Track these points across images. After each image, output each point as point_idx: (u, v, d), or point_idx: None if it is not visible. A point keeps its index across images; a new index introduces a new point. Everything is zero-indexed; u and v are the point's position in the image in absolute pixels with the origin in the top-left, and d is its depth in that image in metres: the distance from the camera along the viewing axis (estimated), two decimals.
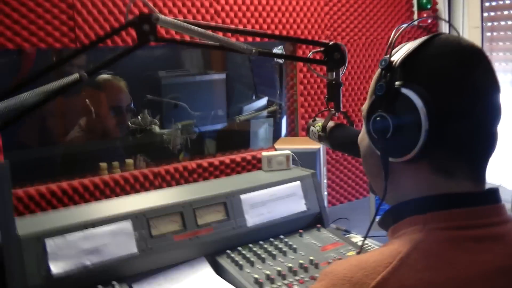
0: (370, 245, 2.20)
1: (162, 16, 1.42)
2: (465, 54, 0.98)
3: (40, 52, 2.78)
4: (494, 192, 1.01)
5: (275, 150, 2.45)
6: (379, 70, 1.02)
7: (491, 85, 0.99)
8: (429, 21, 3.32)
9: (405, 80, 0.98)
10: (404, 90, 0.96)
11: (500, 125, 1.02)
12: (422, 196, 1.00)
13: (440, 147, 0.95)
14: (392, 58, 1.00)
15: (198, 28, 1.46)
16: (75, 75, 1.39)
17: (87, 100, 2.90)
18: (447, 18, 3.43)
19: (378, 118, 1.00)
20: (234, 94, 4.00)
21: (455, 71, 0.96)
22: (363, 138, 1.11)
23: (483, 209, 0.97)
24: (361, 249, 1.29)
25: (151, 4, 1.49)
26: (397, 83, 0.98)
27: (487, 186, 1.03)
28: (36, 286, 1.59)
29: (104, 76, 2.97)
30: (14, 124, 1.40)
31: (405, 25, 1.11)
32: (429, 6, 3.31)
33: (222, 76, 4.01)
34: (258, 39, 2.64)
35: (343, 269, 0.93)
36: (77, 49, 1.38)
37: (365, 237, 1.22)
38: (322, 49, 1.66)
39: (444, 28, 3.42)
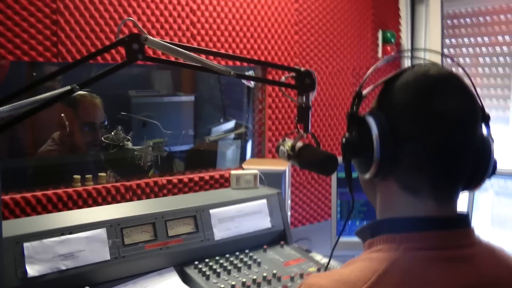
0: (333, 265, 2.31)
1: (150, 37, 1.53)
2: (427, 83, 1.07)
3: (13, 64, 2.85)
4: (464, 217, 1.12)
5: (243, 169, 2.56)
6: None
7: (460, 111, 1.05)
8: (392, 53, 3.48)
9: (374, 108, 1.13)
10: (367, 116, 1.10)
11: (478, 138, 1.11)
12: (397, 216, 1.10)
13: (400, 167, 1.07)
14: (364, 90, 1.15)
15: (183, 50, 1.57)
16: (67, 87, 1.48)
17: (62, 114, 2.95)
18: (410, 53, 3.61)
19: (343, 140, 1.14)
20: (203, 116, 4.10)
21: (411, 100, 1.06)
22: None
23: (454, 232, 1.08)
24: (326, 268, 1.41)
25: (140, 25, 1.59)
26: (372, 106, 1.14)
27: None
28: (13, 287, 1.66)
29: (81, 92, 3.03)
30: (5, 130, 1.48)
31: (380, 63, 1.25)
32: (393, 40, 3.49)
33: (191, 98, 4.12)
34: (230, 63, 2.77)
35: (326, 283, 1.02)
36: (65, 64, 1.47)
37: (331, 254, 1.34)
38: (294, 74, 1.79)
39: (407, 62, 3.59)
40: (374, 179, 1.12)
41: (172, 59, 1.73)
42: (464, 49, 3.31)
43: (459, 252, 1.06)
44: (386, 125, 1.06)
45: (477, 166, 1.13)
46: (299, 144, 1.70)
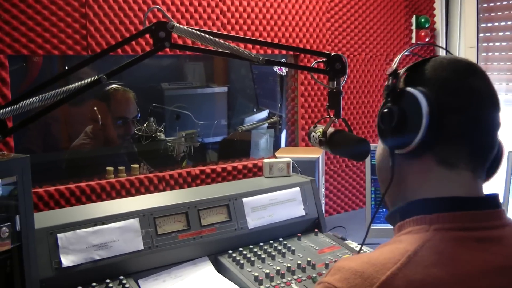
0: (366, 251, 2.28)
1: (177, 24, 1.52)
2: (461, 64, 1.11)
3: (46, 60, 2.88)
4: (495, 198, 1.11)
5: (276, 158, 2.54)
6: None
7: (488, 94, 1.09)
8: (427, 39, 3.42)
9: (409, 84, 1.12)
10: (409, 89, 1.09)
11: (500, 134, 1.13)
12: (429, 197, 1.09)
13: (441, 140, 1.06)
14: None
15: (210, 37, 1.56)
16: (94, 77, 1.48)
17: (95, 108, 2.98)
18: (444, 37, 3.54)
19: (385, 110, 1.12)
20: (236, 106, 4.10)
21: (451, 75, 1.09)
22: (378, 149, 1.23)
23: (484, 213, 1.06)
24: (358, 253, 1.39)
25: (166, 13, 1.58)
26: (402, 86, 1.13)
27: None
28: (48, 277, 1.68)
29: (115, 86, 3.06)
30: (35, 121, 1.49)
31: (407, 52, 1.27)
32: (427, 25, 3.42)
33: (224, 89, 4.12)
34: (261, 51, 2.75)
35: (355, 265, 1.01)
36: (92, 55, 1.47)
37: (364, 239, 1.32)
38: (324, 59, 1.77)
39: (441, 50, 3.53)
40: (407, 156, 1.11)
41: (201, 47, 1.72)
42: (501, 33, 3.22)
43: (490, 233, 1.04)
44: (432, 97, 1.06)
45: (497, 156, 1.16)
46: (331, 129, 1.69)
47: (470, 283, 0.97)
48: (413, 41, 3.42)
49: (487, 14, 3.25)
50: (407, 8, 3.40)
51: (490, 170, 1.16)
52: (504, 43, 3.21)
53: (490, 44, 3.29)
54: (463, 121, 1.05)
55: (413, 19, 3.42)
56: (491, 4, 3.22)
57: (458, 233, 1.02)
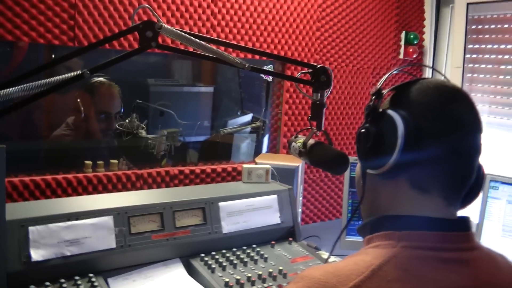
0: (335, 261, 2.28)
1: (165, 25, 1.51)
2: (447, 90, 1.11)
3: (32, 47, 2.85)
4: (465, 221, 1.12)
5: (256, 164, 2.54)
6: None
7: (471, 119, 1.10)
8: (415, 56, 3.44)
9: (391, 106, 1.12)
10: (389, 111, 1.09)
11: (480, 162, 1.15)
12: (399, 214, 1.10)
13: (415, 164, 1.07)
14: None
15: (197, 40, 1.55)
16: (77, 72, 1.47)
17: (78, 100, 2.95)
18: (431, 55, 3.56)
19: (363, 130, 1.13)
20: (221, 108, 4.09)
21: (434, 101, 1.09)
22: (358, 164, 1.23)
23: (453, 234, 1.07)
24: (326, 261, 1.39)
25: (155, 12, 1.57)
26: (386, 106, 1.13)
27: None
28: (16, 271, 1.64)
29: (100, 79, 3.03)
30: (14, 112, 1.47)
31: (396, 71, 1.25)
32: (415, 42, 3.44)
33: (210, 89, 4.12)
34: (249, 56, 2.74)
35: (319, 274, 1.01)
36: (79, 48, 1.46)
37: (332, 249, 1.32)
38: (310, 70, 1.77)
39: (428, 64, 3.55)
40: (381, 176, 1.12)
41: (189, 49, 1.71)
42: (487, 55, 3.25)
43: (458, 255, 1.05)
44: (410, 121, 1.06)
45: (475, 184, 1.16)
46: (311, 141, 1.69)
47: None
48: (401, 56, 3.44)
49: (475, 36, 3.28)
50: (397, 23, 3.41)
51: (468, 198, 1.17)
52: (489, 66, 3.24)
53: (476, 65, 3.31)
54: (440, 148, 1.06)
55: (403, 35, 3.44)
56: (480, 26, 3.25)
57: (425, 252, 1.03)
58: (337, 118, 3.21)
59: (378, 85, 1.15)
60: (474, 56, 3.31)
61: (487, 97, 3.24)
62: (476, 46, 3.29)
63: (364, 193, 1.18)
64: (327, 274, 1.00)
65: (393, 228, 1.07)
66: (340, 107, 3.21)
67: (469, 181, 1.12)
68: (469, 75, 3.33)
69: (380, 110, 1.12)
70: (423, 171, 1.08)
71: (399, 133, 1.05)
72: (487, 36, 3.22)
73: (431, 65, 3.56)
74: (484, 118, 3.22)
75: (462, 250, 1.06)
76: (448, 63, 3.50)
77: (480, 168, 1.18)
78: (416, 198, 1.09)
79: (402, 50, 3.45)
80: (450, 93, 1.10)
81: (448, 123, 1.06)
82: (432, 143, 1.05)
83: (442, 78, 1.26)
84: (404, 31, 3.43)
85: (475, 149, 1.11)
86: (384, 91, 1.16)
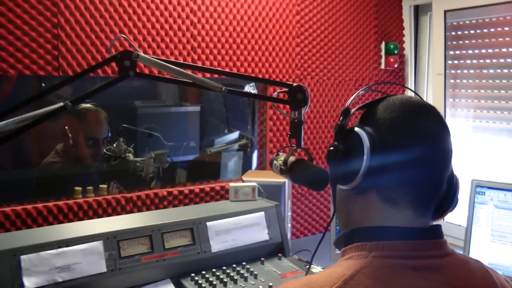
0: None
1: (141, 54, 1.56)
2: (412, 105, 1.17)
3: (19, 77, 2.89)
4: (436, 229, 1.17)
5: (243, 181, 2.58)
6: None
7: (436, 132, 1.15)
8: (396, 65, 3.49)
9: (359, 124, 1.19)
10: (356, 129, 1.15)
11: (450, 172, 1.20)
12: (370, 225, 1.15)
13: (383, 178, 1.12)
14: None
15: (173, 66, 1.60)
16: (60, 104, 1.52)
17: (66, 127, 2.99)
18: (413, 63, 3.62)
19: (331, 148, 1.20)
20: (208, 127, 4.14)
21: (399, 116, 1.14)
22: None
23: (423, 243, 1.12)
24: (307, 272, 1.45)
25: (132, 41, 1.62)
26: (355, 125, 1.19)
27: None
28: None
29: (86, 106, 3.08)
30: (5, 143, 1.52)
31: (362, 91, 1.34)
32: (396, 52, 3.50)
33: (197, 108, 4.17)
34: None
35: (294, 287, 1.07)
36: (63, 79, 1.50)
37: (311, 260, 1.37)
38: (286, 90, 1.82)
39: (410, 73, 3.60)
40: (352, 191, 1.18)
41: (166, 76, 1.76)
42: (468, 61, 3.30)
43: (428, 262, 1.09)
44: (376, 137, 1.12)
45: (447, 195, 1.21)
46: (291, 158, 1.73)
47: None
48: (382, 66, 3.50)
49: (455, 42, 3.32)
50: (377, 34, 3.47)
51: (441, 208, 1.22)
52: (471, 71, 3.28)
53: (458, 71, 3.36)
54: (405, 162, 1.10)
55: (382, 45, 3.49)
56: (459, 32, 3.30)
57: (395, 261, 1.07)
58: (322, 131, 3.25)
59: (346, 104, 1.21)
60: (456, 62, 3.35)
61: (471, 101, 3.27)
62: (457, 52, 3.33)
63: (336, 208, 1.24)
64: (301, 286, 1.06)
65: (364, 240, 1.12)
66: (324, 120, 3.25)
67: (438, 192, 1.16)
68: (452, 81, 3.37)
69: (348, 128, 1.18)
70: (391, 185, 1.13)
71: (365, 149, 1.11)
72: (467, 41, 3.26)
73: (413, 73, 3.61)
74: (470, 123, 3.27)
75: (433, 258, 1.10)
76: (430, 71, 3.55)
77: (452, 178, 1.23)
78: (386, 211, 1.13)
79: (383, 60, 3.50)
80: (415, 108, 1.15)
81: (412, 137, 1.11)
82: (397, 157, 1.10)
83: (412, 94, 1.30)
84: (384, 42, 3.49)
85: (442, 161, 1.15)
86: (353, 110, 1.21)
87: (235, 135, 3.93)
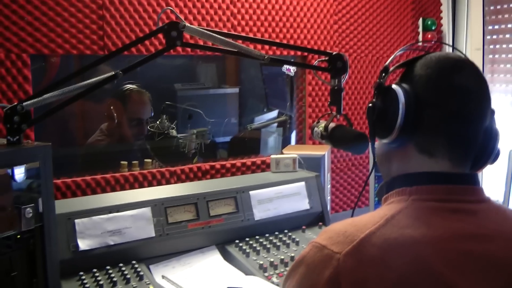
0: None
1: (188, 24, 1.63)
2: (448, 61, 1.21)
3: (63, 61, 3.00)
4: (473, 176, 1.22)
5: (283, 154, 2.64)
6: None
7: (471, 87, 1.18)
8: (433, 42, 3.50)
9: (399, 81, 1.25)
10: (393, 86, 1.22)
11: (489, 125, 1.24)
12: (410, 172, 1.21)
13: (419, 131, 1.18)
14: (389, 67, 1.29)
15: (219, 36, 1.67)
16: (111, 73, 1.60)
17: (111, 107, 3.09)
18: (451, 39, 3.62)
19: (370, 105, 1.27)
20: (247, 107, 4.20)
21: (434, 73, 1.19)
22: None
23: (461, 187, 1.17)
24: (353, 210, 1.53)
25: (178, 14, 1.69)
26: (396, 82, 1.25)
27: None
28: (66, 258, 1.80)
29: (131, 87, 3.17)
30: (54, 114, 1.61)
31: (400, 52, 1.40)
32: (433, 28, 3.50)
33: (235, 90, 4.23)
34: (271, 52, 2.85)
35: (339, 226, 1.14)
36: (106, 54, 1.58)
37: (354, 207, 1.43)
38: (326, 58, 1.87)
39: (448, 49, 3.60)
40: (391, 145, 1.24)
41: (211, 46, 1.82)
42: (507, 35, 3.28)
43: (465, 206, 1.15)
44: (411, 93, 1.18)
45: (485, 147, 1.25)
46: (332, 124, 1.78)
47: (441, 244, 1.07)
48: (420, 43, 3.50)
49: (493, 17, 3.31)
50: (414, 10, 3.48)
51: (478, 161, 1.26)
52: (510, 45, 3.26)
53: (497, 46, 3.34)
54: (439, 116, 1.16)
55: (420, 22, 3.50)
56: (498, 7, 3.28)
57: (434, 203, 1.13)
58: (357, 103, 3.28)
59: (386, 63, 1.28)
60: (495, 37, 3.34)
61: (510, 77, 3.26)
62: (496, 26, 3.32)
63: (378, 162, 1.32)
64: (346, 225, 1.13)
65: (404, 185, 1.19)
66: (362, 96, 3.29)
67: (473, 145, 1.20)
68: (490, 56, 3.36)
69: (386, 85, 1.24)
70: (427, 138, 1.19)
71: (400, 105, 1.17)
72: (506, 16, 3.24)
73: (450, 49, 3.61)
74: (508, 98, 3.27)
75: (470, 202, 1.16)
76: (467, 46, 3.54)
77: (491, 130, 1.26)
78: (425, 162, 1.19)
79: (420, 37, 3.50)
80: (450, 63, 1.20)
81: (446, 92, 1.16)
82: (432, 111, 1.16)
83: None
84: (421, 18, 3.49)
85: (477, 114, 1.19)
86: (392, 68, 1.27)
87: (274, 113, 3.98)
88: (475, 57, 3.37)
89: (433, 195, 1.15)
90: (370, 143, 1.31)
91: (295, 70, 3.14)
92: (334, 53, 1.84)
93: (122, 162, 2.61)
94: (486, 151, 1.26)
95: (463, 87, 1.17)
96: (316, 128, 1.86)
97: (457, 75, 1.18)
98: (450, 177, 1.17)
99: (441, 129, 1.17)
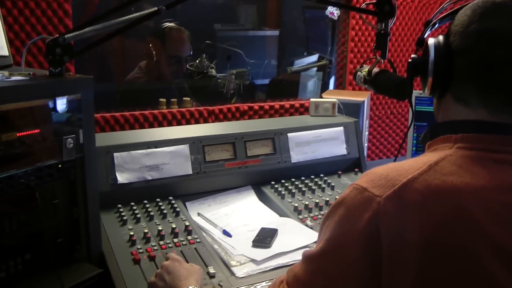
0: None
1: None
2: (485, 5, 1.13)
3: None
4: None
5: (323, 98, 2.62)
6: None
7: (502, 29, 1.10)
8: None
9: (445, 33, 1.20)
10: (429, 39, 1.19)
11: None
12: (454, 119, 1.18)
13: (454, 80, 1.15)
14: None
15: None
16: (154, 8, 1.58)
17: (150, 45, 3.08)
18: None
19: (409, 60, 1.25)
20: (287, 50, 4.15)
21: (466, 19, 1.14)
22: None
23: (505, 138, 1.13)
24: (395, 158, 1.51)
25: None
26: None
27: None
28: (105, 191, 1.83)
29: (170, 25, 3.14)
30: (94, 48, 1.61)
31: (447, 4, 1.34)
32: None
33: (275, 33, 4.17)
34: None
35: (381, 170, 1.12)
36: None
37: (399, 150, 1.42)
38: (374, 1, 1.82)
39: None
40: (433, 95, 1.23)
41: None
42: None
43: (510, 157, 1.11)
44: (443, 43, 1.16)
45: None
46: (376, 69, 1.75)
47: (483, 194, 1.04)
48: None
49: None
50: None
51: None
52: None
53: None
54: (468, 63, 1.12)
55: None
56: None
57: (478, 152, 1.10)
58: (401, 50, 3.22)
59: (432, 16, 1.24)
60: None
61: None
62: None
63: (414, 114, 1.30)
64: (388, 169, 1.10)
65: (449, 132, 1.16)
66: (405, 43, 3.22)
67: (508, 91, 1.13)
68: None
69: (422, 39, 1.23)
70: (460, 86, 1.15)
71: (431, 57, 1.16)
72: None
73: None
74: None
75: None
76: None
77: None
78: (462, 111, 1.16)
79: None
80: (486, 8, 1.13)
81: (473, 36, 1.12)
82: (461, 59, 1.13)
83: None
84: None
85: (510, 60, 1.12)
86: (434, 21, 1.26)
87: (314, 57, 3.92)
88: None
89: (477, 144, 1.11)
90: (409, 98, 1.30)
91: (339, 14, 3.07)
92: None
93: (161, 99, 2.62)
94: None
95: (493, 30, 1.11)
96: (359, 73, 1.82)
97: (488, 18, 1.12)
98: (496, 127, 1.13)
99: (471, 76, 1.13)
